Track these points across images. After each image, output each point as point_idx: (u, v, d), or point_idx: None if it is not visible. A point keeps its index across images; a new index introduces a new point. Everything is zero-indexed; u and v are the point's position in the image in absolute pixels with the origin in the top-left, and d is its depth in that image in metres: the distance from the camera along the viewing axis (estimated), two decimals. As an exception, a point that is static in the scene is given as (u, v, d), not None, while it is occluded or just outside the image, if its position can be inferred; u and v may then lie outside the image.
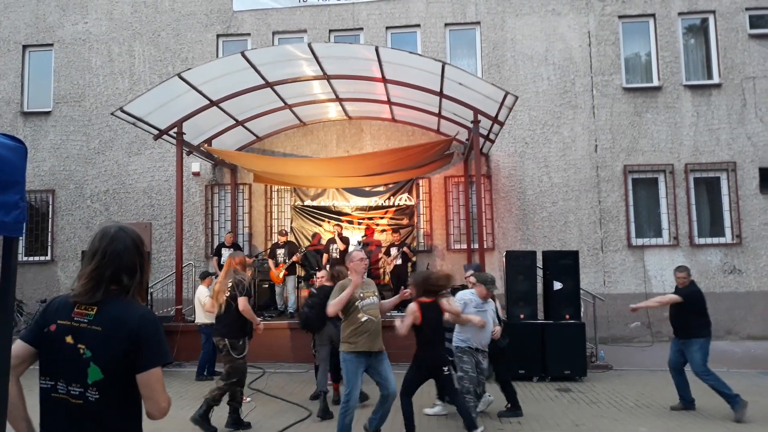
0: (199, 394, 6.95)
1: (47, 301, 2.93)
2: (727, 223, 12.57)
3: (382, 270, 12.29)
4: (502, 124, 10.08)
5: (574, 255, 9.36)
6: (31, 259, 13.59)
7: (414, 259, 12.25)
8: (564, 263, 9.12)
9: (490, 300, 6.53)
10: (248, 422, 6.49)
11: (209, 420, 6.24)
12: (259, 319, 6.96)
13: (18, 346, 2.19)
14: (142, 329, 2.16)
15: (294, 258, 11.39)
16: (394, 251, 11.63)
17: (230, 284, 6.41)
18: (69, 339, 2.14)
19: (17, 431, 2.19)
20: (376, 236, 12.72)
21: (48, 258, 13.62)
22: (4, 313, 2.05)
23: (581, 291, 9.32)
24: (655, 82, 13.00)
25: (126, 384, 2.14)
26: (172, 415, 2.46)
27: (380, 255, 12.06)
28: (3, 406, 2.03)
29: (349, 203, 13.30)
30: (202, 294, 9.10)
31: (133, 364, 2.13)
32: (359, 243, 11.98)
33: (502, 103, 9.34)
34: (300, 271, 11.94)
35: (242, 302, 6.34)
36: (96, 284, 2.20)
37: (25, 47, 14.27)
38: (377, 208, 13.23)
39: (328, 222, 13.09)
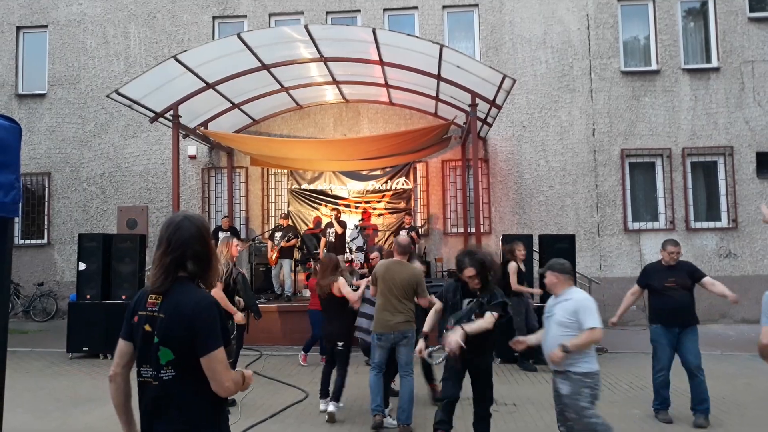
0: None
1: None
2: (723, 207, 12.60)
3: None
4: (499, 108, 10.04)
5: (570, 239, 9.41)
6: (27, 242, 13.56)
7: (422, 242, 12.25)
8: (560, 247, 9.17)
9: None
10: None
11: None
12: (239, 313, 6.84)
13: (121, 345, 2.41)
14: (196, 317, 2.28)
15: (283, 243, 11.39)
16: (403, 234, 11.65)
17: None
18: (147, 327, 2.32)
19: (121, 422, 2.45)
20: (373, 220, 12.72)
21: (44, 241, 13.59)
22: (0, 295, 2.06)
23: (577, 275, 9.39)
24: (654, 66, 12.95)
25: (195, 362, 2.27)
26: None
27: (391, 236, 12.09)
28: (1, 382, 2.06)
29: (347, 187, 13.28)
30: None
31: (194, 347, 2.27)
32: (356, 227, 11.98)
33: (499, 87, 9.29)
34: (296, 254, 11.95)
35: (214, 290, 6.28)
36: (164, 271, 2.34)
37: (19, 29, 14.11)
38: (374, 191, 13.22)
39: (325, 206, 13.08)
